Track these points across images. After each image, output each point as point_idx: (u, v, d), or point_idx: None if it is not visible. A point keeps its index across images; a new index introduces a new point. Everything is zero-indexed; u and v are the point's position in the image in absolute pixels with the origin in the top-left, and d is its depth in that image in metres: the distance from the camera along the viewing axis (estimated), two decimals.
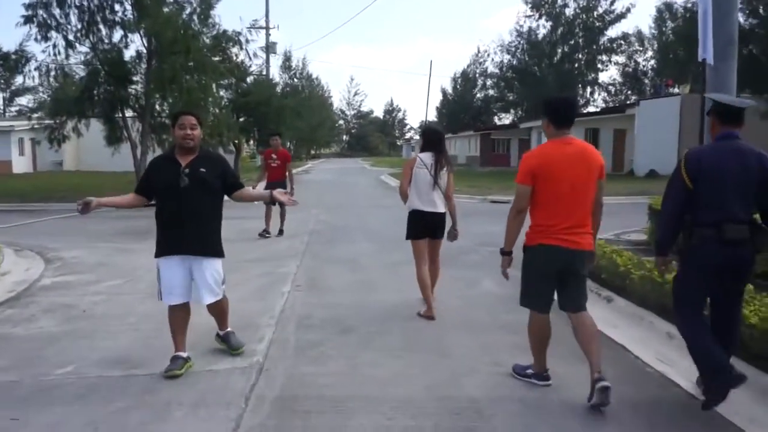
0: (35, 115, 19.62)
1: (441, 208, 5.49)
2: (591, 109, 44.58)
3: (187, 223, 4.05)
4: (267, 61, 38.53)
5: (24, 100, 49.70)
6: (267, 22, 38.61)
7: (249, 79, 29.10)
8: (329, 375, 4.06)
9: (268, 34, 38.51)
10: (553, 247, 3.58)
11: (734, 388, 3.28)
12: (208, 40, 17.73)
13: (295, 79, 45.59)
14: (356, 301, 6.09)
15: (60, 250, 9.15)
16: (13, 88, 49.11)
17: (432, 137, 5.62)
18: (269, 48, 38.78)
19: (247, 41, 19.62)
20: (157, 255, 4.14)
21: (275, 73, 42.78)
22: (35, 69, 18.35)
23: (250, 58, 23.41)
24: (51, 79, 18.42)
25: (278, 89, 32.78)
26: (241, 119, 27.87)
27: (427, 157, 5.44)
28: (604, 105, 47.08)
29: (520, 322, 4.09)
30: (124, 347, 4.64)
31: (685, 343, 3.55)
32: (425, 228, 5.51)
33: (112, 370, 4.14)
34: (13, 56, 18.51)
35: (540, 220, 3.66)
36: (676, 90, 30.92)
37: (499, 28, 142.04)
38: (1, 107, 53.86)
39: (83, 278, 7.20)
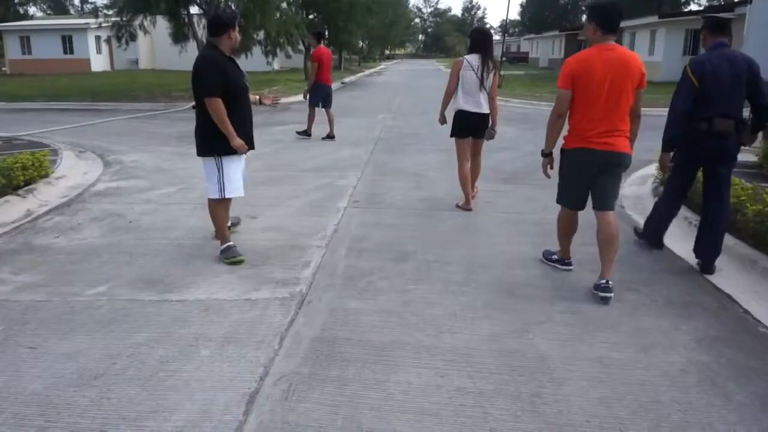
0: (103, 12, 19.23)
1: (485, 108, 5.68)
2: (693, 7, 40.00)
3: (250, 121, 4.40)
4: None
5: None
6: None
7: None
8: (377, 312, 3.56)
9: None
10: (589, 150, 3.73)
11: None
12: None
13: None
14: (418, 222, 5.51)
15: (121, 153, 9.01)
16: None
17: (479, 39, 5.69)
18: None
19: None
20: (229, 153, 4.21)
21: None
22: None
23: None
24: None
25: None
26: (310, 16, 26.78)
27: (474, 59, 5.56)
28: (707, 3, 42.05)
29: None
30: (162, 266, 4.31)
31: (652, 209, 4.69)
32: (469, 127, 5.74)
33: (144, 293, 3.82)
34: None
35: (577, 124, 3.77)
36: None
37: None
38: (79, 4, 54.42)
39: (138, 184, 6.97)
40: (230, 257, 4.32)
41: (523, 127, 12.63)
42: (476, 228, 5.34)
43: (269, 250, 4.64)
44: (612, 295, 3.69)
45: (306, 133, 10.46)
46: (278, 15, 21.01)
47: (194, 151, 4.35)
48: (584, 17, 3.89)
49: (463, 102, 5.63)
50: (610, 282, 3.71)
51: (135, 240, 4.92)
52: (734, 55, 4.01)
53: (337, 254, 4.60)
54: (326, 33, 30.67)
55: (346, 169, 7.88)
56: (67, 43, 37.77)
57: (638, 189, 6.72)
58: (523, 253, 4.64)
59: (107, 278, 4.07)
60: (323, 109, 10.35)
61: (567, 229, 4.15)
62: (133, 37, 18.18)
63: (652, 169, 7.17)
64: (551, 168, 4.04)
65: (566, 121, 3.87)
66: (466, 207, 5.85)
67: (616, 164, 3.76)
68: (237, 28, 4.13)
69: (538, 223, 5.41)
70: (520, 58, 60.86)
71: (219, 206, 4.38)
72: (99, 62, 38.30)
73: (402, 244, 4.84)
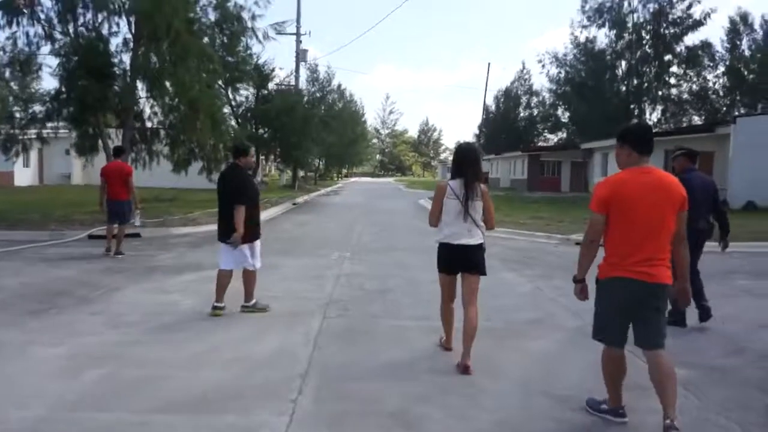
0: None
1: (474, 239, 4.75)
2: (658, 129, 39.56)
3: (259, 217, 6.43)
4: (297, 69, 34.97)
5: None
6: (298, 27, 34.87)
7: (271, 86, 25.30)
8: None
9: (299, 41, 34.80)
10: (626, 280, 3.48)
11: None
12: (205, 18, 13.69)
13: (325, 92, 41.66)
14: None
15: None
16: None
17: (459, 161, 4.83)
18: (299, 55, 35.14)
19: (254, 17, 15.55)
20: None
21: (303, 85, 38.98)
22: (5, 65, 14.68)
23: (259, 41, 19.13)
24: (17, 73, 14.71)
25: (305, 99, 28.86)
26: (260, 131, 24.03)
27: (458, 186, 4.73)
28: (667, 126, 41.88)
29: None
30: None
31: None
32: (454, 262, 4.82)
33: None
34: None
35: (612, 252, 3.57)
36: None
37: (548, 46, 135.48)
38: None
39: None
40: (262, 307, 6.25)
41: (530, 273, 9.18)
42: None
43: None
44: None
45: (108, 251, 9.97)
46: (223, 129, 17.91)
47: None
48: (615, 141, 3.36)
49: (447, 233, 4.79)
50: (675, 421, 3.28)
51: None
52: (704, 177, 6.20)
53: None
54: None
55: (260, 396, 4.01)
56: None
57: None
58: None
59: None
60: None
61: (613, 372, 3.67)
62: (25, 150, 14.57)
63: None
64: (586, 298, 3.73)
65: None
66: (446, 347, 5.06)
67: (657, 296, 3.49)
68: (252, 153, 6.48)
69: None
70: None
71: (254, 274, 6.23)
72: (25, 176, 34.41)
73: None
